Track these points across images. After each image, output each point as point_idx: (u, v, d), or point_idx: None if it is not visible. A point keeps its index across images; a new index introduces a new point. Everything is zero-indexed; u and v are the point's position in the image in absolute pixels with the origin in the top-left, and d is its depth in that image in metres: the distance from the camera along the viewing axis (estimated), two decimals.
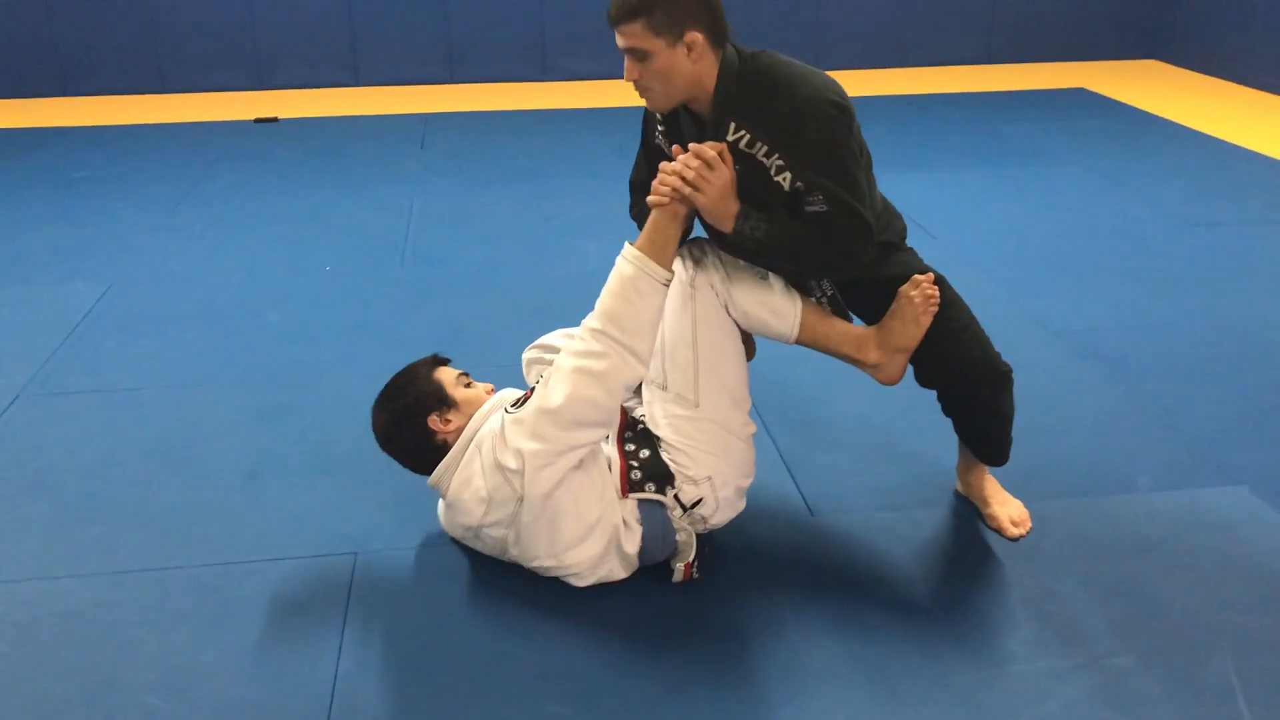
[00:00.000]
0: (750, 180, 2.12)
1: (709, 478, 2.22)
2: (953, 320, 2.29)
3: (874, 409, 2.98)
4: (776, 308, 2.26)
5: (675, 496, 2.21)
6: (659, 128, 2.32)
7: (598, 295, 2.12)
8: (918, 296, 2.23)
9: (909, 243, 2.41)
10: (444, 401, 2.25)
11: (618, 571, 2.23)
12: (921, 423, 2.83)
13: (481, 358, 3.11)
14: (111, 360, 3.36)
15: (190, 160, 5.63)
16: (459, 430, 2.25)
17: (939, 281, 2.30)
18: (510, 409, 2.15)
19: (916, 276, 2.25)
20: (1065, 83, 7.21)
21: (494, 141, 5.96)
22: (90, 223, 4.66)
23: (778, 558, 2.37)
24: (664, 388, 2.24)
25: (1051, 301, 3.70)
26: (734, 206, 2.11)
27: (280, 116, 6.53)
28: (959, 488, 2.59)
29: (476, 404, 2.27)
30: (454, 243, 4.39)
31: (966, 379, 2.29)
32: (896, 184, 5.09)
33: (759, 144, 2.10)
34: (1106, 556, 2.35)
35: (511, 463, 2.09)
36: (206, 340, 3.50)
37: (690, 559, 2.23)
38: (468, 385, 2.31)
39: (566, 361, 2.10)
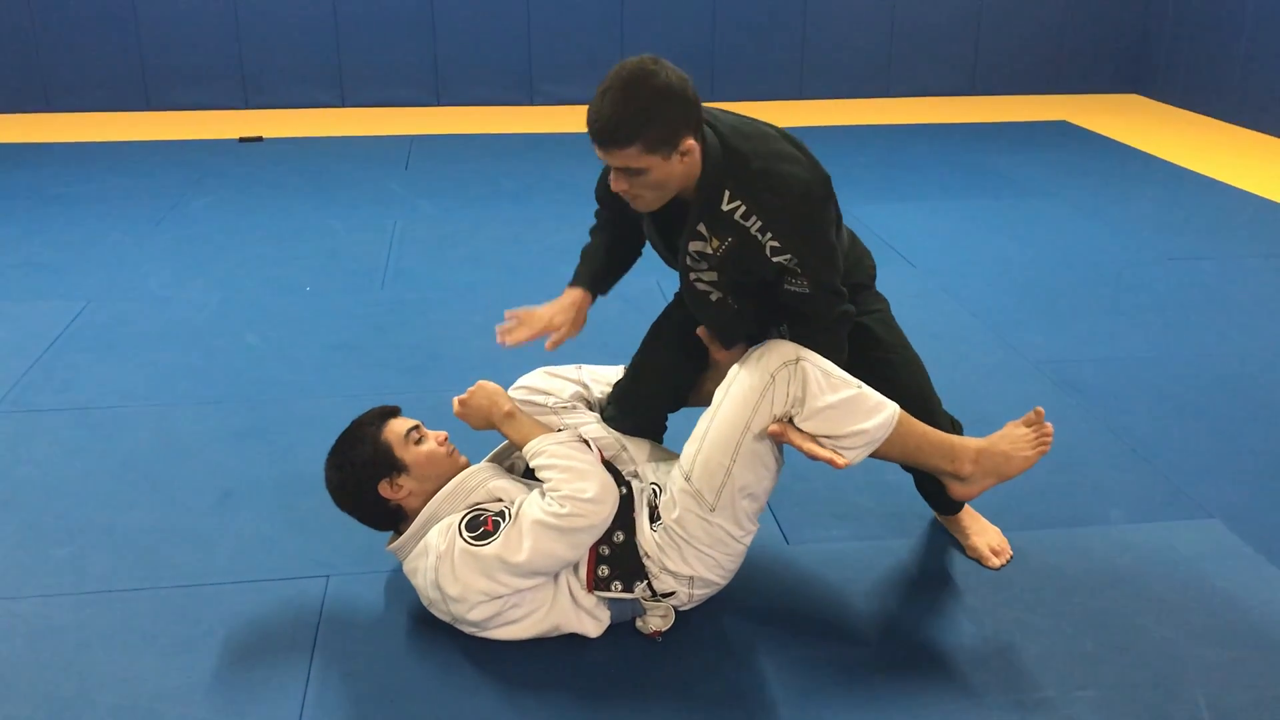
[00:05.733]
0: (741, 252, 2.07)
1: (690, 578, 2.14)
2: (921, 375, 2.35)
3: None
4: (871, 407, 2.10)
5: (648, 585, 2.14)
6: None
7: None
8: (1034, 432, 2.24)
9: (883, 277, 2.42)
10: (394, 466, 2.19)
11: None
12: None
13: (457, 383, 3.10)
14: (85, 379, 3.34)
15: (173, 178, 5.61)
16: (412, 494, 2.20)
17: (892, 344, 2.33)
18: (470, 537, 2.08)
19: (1035, 413, 2.24)
20: (1047, 115, 7.28)
21: (479, 165, 5.97)
22: (69, 240, 4.64)
23: (752, 587, 2.35)
24: (687, 478, 2.12)
25: (1029, 332, 3.71)
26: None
27: (265, 136, 6.53)
28: (937, 517, 2.59)
29: (429, 466, 2.21)
30: (435, 265, 4.39)
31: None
32: (878, 213, 5.18)
33: (754, 218, 2.03)
34: (1079, 589, 2.35)
35: (452, 591, 2.07)
36: (182, 360, 3.48)
37: (666, 627, 2.18)
38: (418, 441, 2.23)
39: (533, 512, 2.07)
